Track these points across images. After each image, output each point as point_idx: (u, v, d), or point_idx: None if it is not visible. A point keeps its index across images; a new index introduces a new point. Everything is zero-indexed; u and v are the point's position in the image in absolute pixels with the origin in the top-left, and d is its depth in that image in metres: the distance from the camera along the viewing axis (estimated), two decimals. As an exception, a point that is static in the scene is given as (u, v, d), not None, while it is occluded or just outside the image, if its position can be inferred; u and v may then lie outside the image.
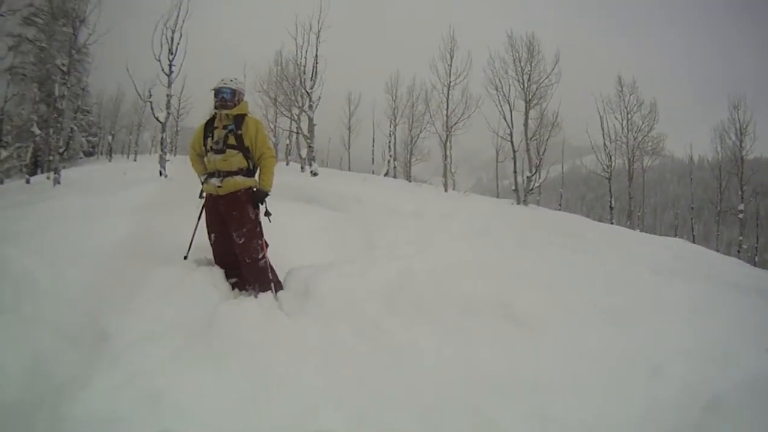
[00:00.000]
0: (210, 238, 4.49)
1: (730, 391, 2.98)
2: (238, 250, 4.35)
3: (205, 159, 4.46)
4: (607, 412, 2.98)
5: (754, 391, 2.96)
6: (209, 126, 4.45)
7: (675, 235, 22.35)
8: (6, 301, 3.39)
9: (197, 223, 4.59)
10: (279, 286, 4.36)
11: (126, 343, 3.19)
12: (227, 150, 4.30)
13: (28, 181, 16.41)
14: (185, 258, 4.51)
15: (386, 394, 3.09)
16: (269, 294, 4.20)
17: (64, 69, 14.74)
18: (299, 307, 3.93)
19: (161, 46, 14.99)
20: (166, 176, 13.75)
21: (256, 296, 4.15)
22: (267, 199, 4.46)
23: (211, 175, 4.36)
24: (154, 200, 7.62)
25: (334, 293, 3.96)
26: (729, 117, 23.44)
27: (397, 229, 6.54)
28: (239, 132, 4.34)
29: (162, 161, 14.63)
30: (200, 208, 4.56)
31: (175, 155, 28.67)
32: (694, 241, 17.91)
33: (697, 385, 3.11)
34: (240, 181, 4.34)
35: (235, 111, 4.39)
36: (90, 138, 36.09)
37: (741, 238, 22.86)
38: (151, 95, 17.32)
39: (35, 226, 5.24)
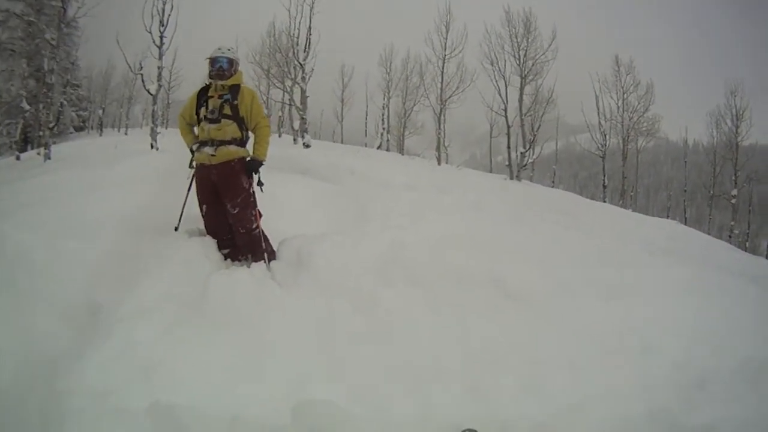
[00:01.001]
0: (201, 210, 4.43)
1: (719, 371, 3.06)
2: (232, 220, 4.32)
3: (197, 128, 4.41)
4: (599, 386, 3.03)
5: (742, 373, 3.03)
6: (202, 95, 4.38)
7: (667, 217, 22.46)
8: (0, 277, 3.35)
9: (187, 194, 4.54)
10: (272, 256, 4.35)
11: (119, 316, 3.18)
12: (222, 120, 4.25)
13: (18, 158, 16.14)
14: (176, 229, 4.47)
15: (380, 365, 3.11)
16: (262, 264, 4.19)
17: (54, 43, 14.43)
18: (292, 277, 3.92)
19: (152, 18, 14.63)
20: (157, 149, 13.58)
21: (248, 266, 4.14)
22: (260, 170, 4.42)
23: (203, 143, 4.29)
24: (146, 173, 7.51)
25: (327, 264, 3.95)
26: (725, 102, 23.46)
27: (390, 201, 6.50)
28: (235, 102, 4.28)
29: (153, 134, 14.43)
30: (190, 178, 4.51)
31: (166, 128, 28.36)
32: (686, 224, 17.96)
33: (687, 364, 3.18)
34: (233, 151, 4.29)
35: (231, 81, 4.34)
36: (80, 112, 35.55)
37: (733, 223, 23.06)
38: (142, 68, 16.97)
39: (27, 202, 5.18)
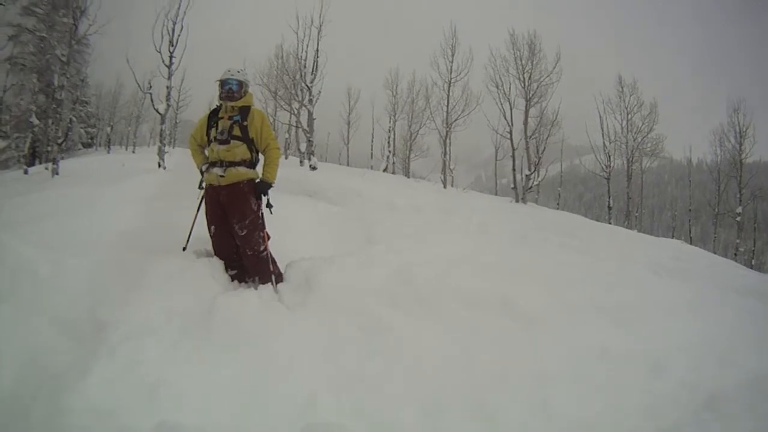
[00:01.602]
0: (210, 230, 4.45)
1: (729, 390, 3.00)
2: (240, 242, 4.33)
3: (207, 150, 4.45)
4: (607, 407, 3.00)
5: (752, 392, 2.98)
6: (213, 116, 4.43)
7: (672, 237, 22.37)
8: (4, 290, 3.36)
9: (196, 214, 4.57)
10: (279, 278, 4.34)
11: (124, 334, 3.16)
12: (232, 141, 4.28)
13: (26, 172, 16.31)
14: (184, 249, 4.49)
15: (387, 387, 3.09)
16: (269, 286, 4.19)
17: (64, 59, 14.67)
18: (300, 299, 3.92)
19: (162, 38, 14.96)
20: (164, 168, 13.71)
21: (255, 288, 4.13)
22: (269, 192, 4.44)
23: (213, 164, 4.33)
24: (153, 192, 7.60)
25: (335, 286, 3.95)
26: (728, 120, 23.54)
27: (397, 223, 6.54)
28: (245, 123, 4.33)
29: (161, 153, 14.59)
30: (199, 199, 4.54)
31: (174, 147, 28.59)
32: (691, 243, 17.90)
33: (696, 384, 3.13)
34: (243, 172, 4.32)
35: (241, 102, 4.38)
36: (89, 129, 35.93)
37: (738, 241, 22.90)
38: (151, 86, 17.23)
39: (34, 216, 5.22)
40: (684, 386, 3.12)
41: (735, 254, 21.90)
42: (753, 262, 22.20)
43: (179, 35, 15.13)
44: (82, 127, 33.92)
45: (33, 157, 24.02)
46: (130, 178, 9.15)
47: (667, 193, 61.43)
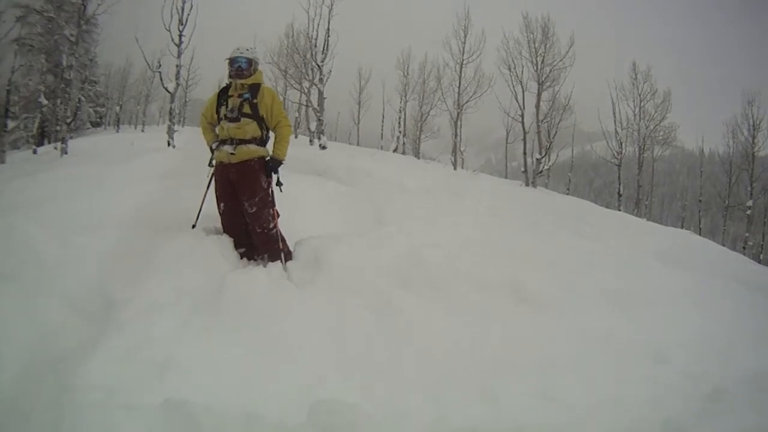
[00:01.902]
0: (219, 208, 4.44)
1: (732, 384, 3.02)
2: (250, 219, 4.32)
3: (218, 128, 4.43)
4: (610, 394, 3.00)
5: (755, 384, 3.00)
6: (223, 94, 4.41)
7: (681, 227, 22.16)
8: (12, 270, 3.36)
9: (206, 192, 4.56)
10: (289, 256, 4.34)
11: (133, 312, 3.18)
12: (242, 118, 4.27)
13: (35, 152, 16.40)
14: (193, 227, 4.48)
15: (395, 368, 3.10)
16: (278, 264, 4.19)
17: (73, 39, 14.63)
18: (309, 277, 3.91)
19: (171, 17, 14.83)
20: (174, 146, 13.70)
21: (264, 266, 4.14)
22: (279, 170, 4.43)
23: (223, 142, 4.32)
24: (162, 170, 7.59)
25: (345, 266, 3.94)
26: (742, 112, 23.16)
27: (407, 205, 6.51)
28: (255, 101, 4.31)
29: (170, 132, 14.57)
30: (209, 176, 4.53)
31: (183, 126, 28.57)
32: (700, 234, 17.70)
33: (699, 374, 3.16)
34: (253, 150, 4.30)
35: (250, 80, 4.36)
36: (98, 109, 35.97)
37: (747, 234, 22.68)
38: (160, 65, 17.18)
39: (43, 196, 5.22)
40: (688, 377, 3.14)
41: (744, 248, 21.70)
42: (761, 256, 22.03)
43: (188, 14, 14.99)
44: (91, 107, 33.93)
45: (42, 137, 24.11)
46: (140, 157, 9.15)
47: (678, 183, 60.84)
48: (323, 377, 2.94)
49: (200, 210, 4.56)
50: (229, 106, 4.29)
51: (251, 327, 3.25)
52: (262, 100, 4.32)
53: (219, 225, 4.51)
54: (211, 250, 4.07)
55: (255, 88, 4.35)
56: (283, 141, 4.38)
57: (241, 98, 4.30)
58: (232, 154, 4.26)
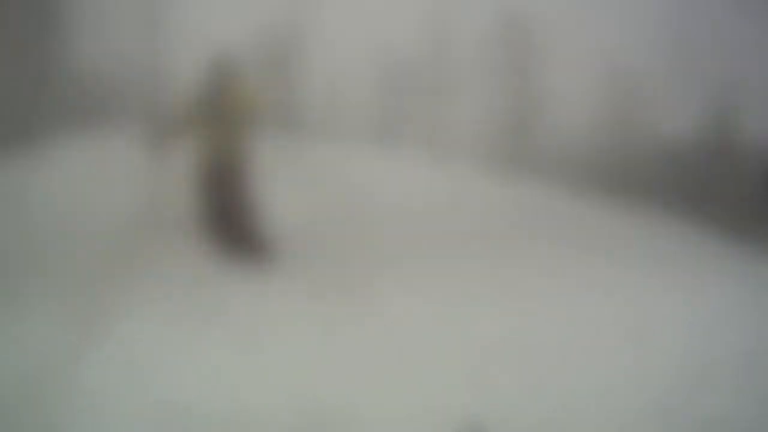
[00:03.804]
0: (207, 206, 4.43)
1: (718, 365, 3.05)
2: (237, 217, 4.33)
3: (203, 126, 4.43)
4: (597, 377, 3.02)
5: (741, 367, 3.03)
6: (207, 93, 4.42)
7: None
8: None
9: (191, 190, 4.55)
10: (276, 255, 4.36)
11: (117, 314, 3.18)
12: (226, 116, 4.29)
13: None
14: (179, 226, 4.47)
15: (382, 358, 3.11)
16: (266, 264, 4.21)
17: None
18: (292, 273, 3.93)
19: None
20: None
21: (252, 266, 4.16)
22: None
23: (209, 139, 4.33)
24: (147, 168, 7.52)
25: (328, 259, 3.95)
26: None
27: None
28: (238, 99, 4.33)
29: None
30: (195, 174, 4.52)
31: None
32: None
33: (685, 358, 3.18)
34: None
35: (232, 80, 4.38)
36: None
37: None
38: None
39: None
40: (674, 362, 3.16)
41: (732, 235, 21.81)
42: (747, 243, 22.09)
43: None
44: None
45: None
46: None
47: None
48: (309, 371, 2.91)
49: (186, 209, 4.55)
50: (214, 104, 4.37)
51: (236, 325, 3.26)
52: (244, 98, 4.38)
53: (205, 223, 4.50)
54: (196, 250, 4.05)
55: (236, 87, 4.40)
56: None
57: (224, 96, 4.37)
58: (219, 151, 4.30)
